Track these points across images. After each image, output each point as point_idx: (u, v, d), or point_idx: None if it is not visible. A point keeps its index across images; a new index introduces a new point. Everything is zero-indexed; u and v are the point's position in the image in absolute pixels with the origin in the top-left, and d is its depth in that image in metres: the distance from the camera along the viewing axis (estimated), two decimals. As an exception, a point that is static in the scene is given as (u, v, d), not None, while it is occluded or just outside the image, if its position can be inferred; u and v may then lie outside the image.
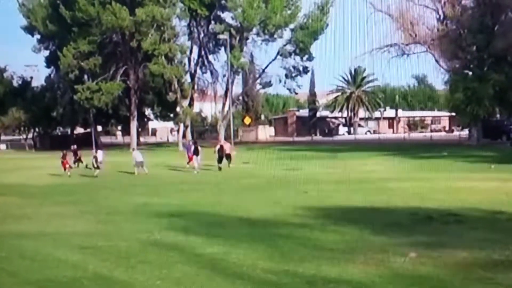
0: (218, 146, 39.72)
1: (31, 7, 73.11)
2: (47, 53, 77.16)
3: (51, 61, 75.64)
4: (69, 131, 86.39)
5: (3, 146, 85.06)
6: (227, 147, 40.53)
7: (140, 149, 42.44)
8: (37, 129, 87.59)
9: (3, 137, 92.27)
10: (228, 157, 39.33)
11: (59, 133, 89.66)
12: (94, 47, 66.18)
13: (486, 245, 12.95)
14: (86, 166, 40.12)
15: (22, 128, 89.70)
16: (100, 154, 38.55)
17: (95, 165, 36.43)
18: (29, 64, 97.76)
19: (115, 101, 69.50)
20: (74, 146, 47.58)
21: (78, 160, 42.58)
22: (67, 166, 36.83)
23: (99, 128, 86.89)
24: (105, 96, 66.10)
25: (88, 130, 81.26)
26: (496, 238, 13.87)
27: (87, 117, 76.00)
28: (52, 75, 79.82)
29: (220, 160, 38.15)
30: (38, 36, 74.90)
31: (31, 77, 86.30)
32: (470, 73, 57.93)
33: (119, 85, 67.66)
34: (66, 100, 75.23)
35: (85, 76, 70.65)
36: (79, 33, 65.16)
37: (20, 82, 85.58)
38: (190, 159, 38.57)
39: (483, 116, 58.03)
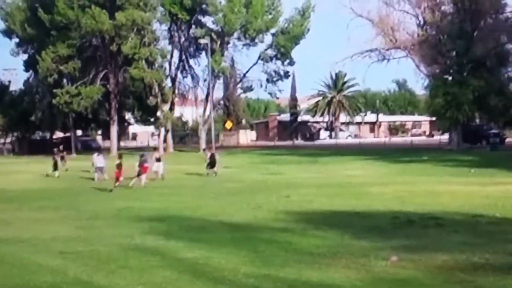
0: (209, 154, 39.91)
1: (9, 10, 72.56)
2: (25, 56, 76.59)
3: (29, 64, 75.06)
4: (48, 135, 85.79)
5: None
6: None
7: (123, 153, 41.87)
8: (15, 134, 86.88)
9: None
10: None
11: (38, 138, 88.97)
12: (73, 51, 65.81)
13: (466, 248, 13.05)
14: (66, 170, 39.91)
15: (0, 132, 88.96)
16: (98, 158, 38.10)
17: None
18: (7, 68, 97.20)
19: (94, 105, 68.98)
20: (61, 148, 47.26)
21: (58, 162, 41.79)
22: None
23: (79, 132, 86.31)
24: (85, 100, 65.66)
25: (68, 134, 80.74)
26: (476, 241, 13.98)
27: (67, 122, 75.59)
28: (30, 79, 79.18)
29: (212, 166, 37.97)
30: (17, 40, 74.32)
31: (9, 81, 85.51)
32: (450, 78, 58.28)
33: (98, 89, 67.24)
34: (45, 104, 74.62)
35: (64, 80, 70.31)
36: (58, 36, 64.79)
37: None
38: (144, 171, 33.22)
39: (463, 121, 58.36)
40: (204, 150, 40.38)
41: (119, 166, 29.63)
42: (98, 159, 37.93)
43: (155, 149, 37.68)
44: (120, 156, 30.15)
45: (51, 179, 36.38)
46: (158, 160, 36.76)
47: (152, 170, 34.94)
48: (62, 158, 43.80)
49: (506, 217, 17.66)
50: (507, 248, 13.10)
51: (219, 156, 40.74)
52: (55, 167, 40.06)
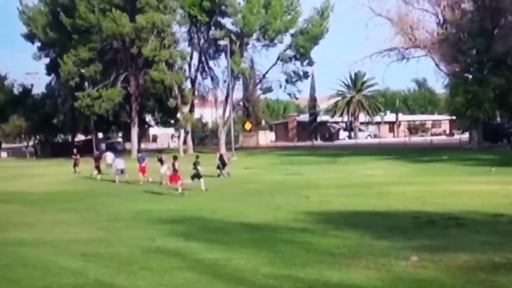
0: (218, 154, 39.65)
1: (31, 14, 73.12)
2: (47, 60, 77.21)
3: (51, 68, 75.68)
4: (70, 138, 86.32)
5: (4, 154, 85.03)
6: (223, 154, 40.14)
7: (146, 155, 41.95)
8: (38, 137, 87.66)
9: (4, 145, 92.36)
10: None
11: (60, 141, 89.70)
12: (94, 54, 66.27)
13: (487, 248, 12.93)
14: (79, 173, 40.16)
15: (23, 136, 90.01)
16: (111, 158, 38.41)
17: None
18: (30, 71, 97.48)
19: (115, 107, 69.52)
20: (97, 152, 47.50)
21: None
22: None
23: (100, 135, 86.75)
24: (106, 103, 66.11)
25: (89, 137, 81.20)
26: (498, 241, 13.87)
27: (88, 124, 76.08)
28: (52, 83, 79.78)
29: (223, 167, 37.84)
30: (39, 44, 74.89)
31: (32, 85, 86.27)
32: (470, 76, 57.92)
33: (119, 91, 67.66)
34: (66, 107, 75.27)
35: (86, 83, 70.80)
36: (80, 40, 65.23)
37: (20, 90, 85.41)
38: (142, 171, 35.30)
39: (484, 119, 58.02)
40: (220, 155, 39.99)
41: (175, 168, 28.73)
42: (118, 161, 38.13)
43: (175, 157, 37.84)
44: (175, 158, 29.45)
45: (72, 181, 36.52)
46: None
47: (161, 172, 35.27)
48: (75, 162, 44.08)
49: (527, 216, 17.51)
50: (529, 247, 12.99)
51: (228, 156, 40.29)
52: (99, 170, 39.72)
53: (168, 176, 29.48)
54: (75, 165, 43.69)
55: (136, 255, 13.52)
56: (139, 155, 33.70)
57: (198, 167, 29.75)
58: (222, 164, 37.95)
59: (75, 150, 47.45)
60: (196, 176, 29.66)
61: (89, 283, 10.92)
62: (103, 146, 78.35)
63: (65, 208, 24.16)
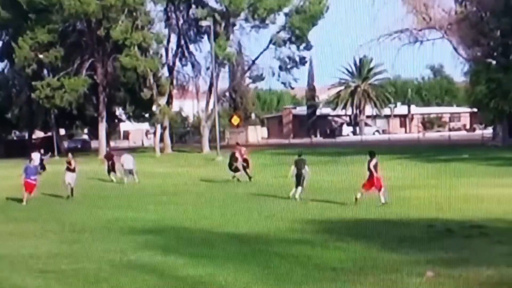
0: (237, 153, 38.48)
1: (-20, -10, 73.00)
2: (-1, 44, 77.04)
3: (4, 53, 75.38)
4: (26, 135, 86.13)
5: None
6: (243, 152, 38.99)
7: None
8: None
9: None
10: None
11: (15, 138, 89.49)
12: (55, 36, 65.97)
13: (514, 261, 13.05)
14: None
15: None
16: (129, 160, 38.35)
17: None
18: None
19: (80, 99, 69.16)
20: (107, 149, 47.29)
21: (111, 166, 40.56)
22: None
23: (62, 131, 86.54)
24: (69, 94, 65.84)
25: (49, 134, 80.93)
26: (526, 253, 13.99)
27: (48, 119, 75.75)
28: (5, 70, 79.49)
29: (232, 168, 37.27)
30: (-10, 25, 74.80)
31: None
32: (494, 62, 58.19)
33: (84, 80, 67.42)
34: (22, 99, 75.16)
35: (45, 71, 70.62)
36: (37, 20, 65.04)
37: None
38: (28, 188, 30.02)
39: (510, 112, 58.29)
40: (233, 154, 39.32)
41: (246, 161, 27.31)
42: (126, 160, 38.60)
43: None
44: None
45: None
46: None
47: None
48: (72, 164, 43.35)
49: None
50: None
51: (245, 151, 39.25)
52: (109, 170, 40.04)
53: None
54: (108, 168, 42.53)
55: (105, 272, 13.55)
56: (30, 164, 31.65)
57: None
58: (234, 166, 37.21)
59: (42, 151, 47.17)
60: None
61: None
62: (65, 144, 78.38)
63: (22, 217, 24.16)
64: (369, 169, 24.74)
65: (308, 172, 28.10)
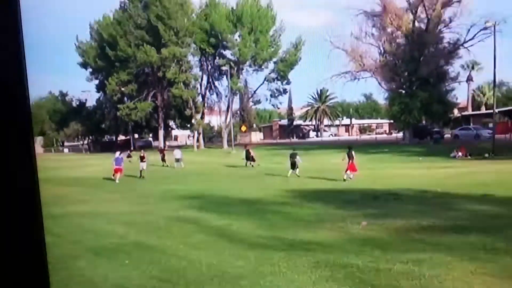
0: (245, 149, 38.25)
1: (85, 48, 72.82)
2: (97, 82, 76.76)
3: (100, 87, 75.30)
4: (114, 138, 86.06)
5: (66, 150, 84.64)
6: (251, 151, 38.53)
7: (166, 151, 41.85)
8: (90, 137, 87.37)
9: (66, 144, 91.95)
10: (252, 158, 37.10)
11: (107, 140, 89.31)
12: (131, 77, 66.05)
13: (417, 215, 13.03)
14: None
15: (80, 137, 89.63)
16: (178, 152, 38.17)
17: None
18: (84, 90, 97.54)
19: (147, 115, 69.32)
20: (161, 147, 46.78)
21: (163, 157, 40.07)
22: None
23: (136, 135, 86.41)
24: (140, 112, 66.02)
25: (128, 137, 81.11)
26: (424, 210, 13.97)
27: (127, 128, 76.02)
28: (101, 98, 79.48)
29: (248, 158, 36.54)
30: (90, 70, 74.58)
31: (86, 100, 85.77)
32: (403, 91, 58.14)
33: (150, 104, 67.50)
34: (111, 115, 75.21)
35: (125, 98, 70.45)
36: (120, 67, 65.03)
37: (78, 103, 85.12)
38: (115, 171, 28.79)
39: (413, 122, 58.32)
40: (245, 146, 39.06)
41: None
42: (176, 152, 38.29)
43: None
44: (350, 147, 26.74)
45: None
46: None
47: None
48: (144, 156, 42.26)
49: (445, 192, 17.62)
50: (447, 214, 13.08)
51: (253, 151, 38.92)
52: (162, 159, 39.38)
53: None
54: (161, 158, 40.54)
55: (163, 223, 13.55)
56: (119, 155, 29.93)
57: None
58: (247, 157, 36.76)
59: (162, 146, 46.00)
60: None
61: (129, 243, 10.94)
62: (138, 143, 78.26)
63: (112, 189, 24.18)
64: (349, 156, 24.36)
65: (299, 160, 27.99)
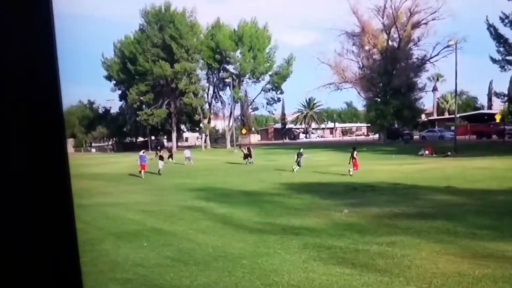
0: (246, 149, 38.21)
1: (109, 63, 72.81)
2: (119, 92, 76.75)
3: (122, 97, 75.24)
4: (134, 139, 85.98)
5: (93, 150, 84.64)
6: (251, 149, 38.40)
7: (178, 151, 41.96)
8: (114, 139, 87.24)
9: (93, 144, 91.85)
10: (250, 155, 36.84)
11: (128, 141, 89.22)
12: (148, 88, 66.04)
13: (390, 204, 13.06)
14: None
15: (105, 138, 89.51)
16: (188, 152, 37.95)
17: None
18: (109, 99, 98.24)
19: (162, 121, 69.28)
20: (169, 146, 46.55)
21: (170, 155, 39.90)
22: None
23: (153, 137, 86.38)
24: (156, 118, 66.01)
25: (146, 138, 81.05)
26: (396, 199, 13.99)
27: (145, 131, 75.97)
28: (123, 106, 79.42)
29: (245, 157, 36.34)
30: (114, 82, 74.54)
31: (110, 107, 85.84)
32: (379, 100, 58.25)
33: (164, 111, 67.43)
34: (132, 120, 75.13)
35: (143, 106, 70.40)
36: (139, 79, 65.07)
37: (103, 110, 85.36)
38: (142, 167, 27.87)
39: (387, 126, 58.42)
40: (239, 146, 39.01)
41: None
42: (186, 152, 38.24)
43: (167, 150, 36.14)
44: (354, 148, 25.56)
45: (137, 166, 36.22)
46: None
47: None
48: (163, 155, 41.22)
49: (414, 185, 17.65)
50: (415, 203, 13.10)
51: (253, 150, 38.81)
52: (169, 157, 38.58)
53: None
54: (168, 156, 39.95)
55: (175, 211, 13.54)
56: (142, 154, 28.62)
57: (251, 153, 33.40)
58: (247, 155, 36.37)
59: (159, 148, 45.20)
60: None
61: (147, 229, 10.94)
62: (152, 144, 78.30)
63: (132, 183, 24.16)
64: (352, 156, 24.05)
65: (304, 157, 28.09)
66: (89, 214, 13.21)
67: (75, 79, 78.65)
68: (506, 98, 44.59)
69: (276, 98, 73.26)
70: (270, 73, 70.08)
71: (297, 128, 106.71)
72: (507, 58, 38.75)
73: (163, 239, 9.59)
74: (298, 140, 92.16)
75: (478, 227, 9.37)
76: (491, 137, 51.50)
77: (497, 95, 45.90)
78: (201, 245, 8.87)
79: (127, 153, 64.79)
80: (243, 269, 7.10)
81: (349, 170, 23.04)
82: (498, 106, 62.99)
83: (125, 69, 66.51)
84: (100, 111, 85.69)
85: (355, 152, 24.49)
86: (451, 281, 6.15)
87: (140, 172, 27.51)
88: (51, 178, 0.94)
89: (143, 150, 32.19)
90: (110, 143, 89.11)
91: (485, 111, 71.44)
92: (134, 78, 65.46)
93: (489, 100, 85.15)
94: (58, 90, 0.95)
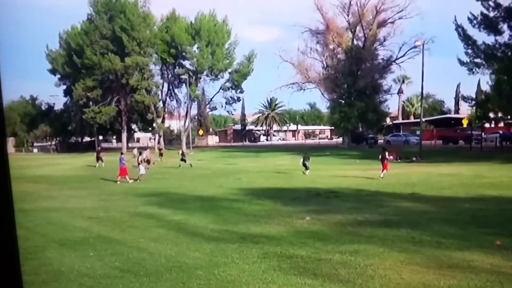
0: (180, 151, 38.67)
1: (54, 56, 70.83)
2: (64, 87, 74.79)
3: (67, 92, 73.40)
4: (79, 139, 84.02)
5: (35, 150, 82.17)
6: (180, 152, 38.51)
7: (128, 152, 41.21)
8: (58, 138, 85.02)
9: (35, 144, 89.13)
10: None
11: (73, 141, 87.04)
12: (96, 83, 64.59)
13: (353, 211, 13.26)
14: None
15: (48, 138, 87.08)
16: (147, 152, 37.10)
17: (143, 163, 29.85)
18: (53, 94, 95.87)
19: (111, 119, 67.86)
20: (99, 148, 45.57)
21: (99, 158, 39.33)
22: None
23: (100, 137, 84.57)
24: (104, 116, 64.58)
25: (93, 138, 79.42)
26: (360, 206, 14.23)
27: (92, 130, 74.44)
28: (68, 102, 77.49)
29: (183, 160, 36.77)
30: (58, 76, 72.55)
31: (54, 103, 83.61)
32: (343, 101, 59.14)
33: (113, 108, 66.10)
34: (77, 118, 73.33)
35: (90, 103, 68.81)
36: (86, 74, 63.58)
37: (46, 107, 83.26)
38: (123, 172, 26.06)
39: (351, 129, 59.40)
40: (182, 152, 39.05)
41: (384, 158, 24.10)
42: (147, 154, 37.04)
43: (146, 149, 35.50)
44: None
45: (81, 168, 35.47)
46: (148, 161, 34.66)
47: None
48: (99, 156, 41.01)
49: (378, 191, 18.02)
50: (378, 210, 13.36)
51: (187, 152, 39.18)
52: (98, 160, 38.85)
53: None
54: (98, 158, 39.69)
55: (125, 218, 13.30)
56: (122, 156, 27.60)
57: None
58: (183, 158, 37.06)
59: (99, 148, 45.28)
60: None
61: (93, 236, 10.69)
62: (101, 144, 76.67)
63: (77, 186, 23.56)
64: (383, 157, 23.97)
65: (310, 161, 27.97)
66: (31, 219, 12.85)
67: (17, 73, 76.16)
68: (474, 102, 45.73)
69: (235, 98, 73.22)
70: (229, 70, 69.98)
71: (258, 130, 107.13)
72: (475, 60, 39.01)
73: (111, 248, 9.39)
74: (258, 143, 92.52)
75: (444, 236, 9.62)
76: (457, 142, 53.30)
77: (465, 99, 46.88)
78: (153, 255, 8.74)
79: (72, 154, 63.25)
80: (198, 280, 7.04)
81: (381, 173, 22.91)
82: (465, 110, 65.44)
83: (71, 62, 64.84)
84: (43, 107, 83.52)
85: (387, 153, 24.46)
86: (415, 291, 6.31)
87: (123, 177, 25.33)
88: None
89: (122, 152, 31.21)
90: (53, 142, 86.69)
91: (452, 115, 74.24)
92: (80, 72, 63.88)
93: (456, 104, 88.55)
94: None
